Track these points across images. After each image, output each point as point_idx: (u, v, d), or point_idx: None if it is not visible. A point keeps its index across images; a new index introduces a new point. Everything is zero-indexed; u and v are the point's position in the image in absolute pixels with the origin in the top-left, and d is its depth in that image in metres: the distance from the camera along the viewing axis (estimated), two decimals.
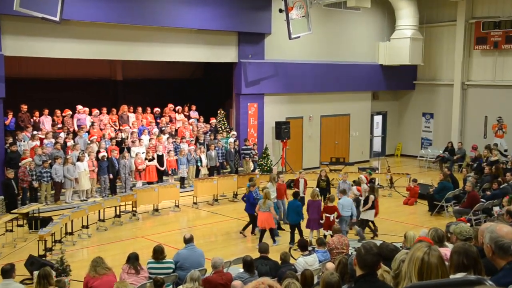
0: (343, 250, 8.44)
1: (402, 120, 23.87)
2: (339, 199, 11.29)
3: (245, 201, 11.79)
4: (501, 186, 12.99)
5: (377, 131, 23.76)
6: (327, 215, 10.60)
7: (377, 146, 23.22)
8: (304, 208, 11.17)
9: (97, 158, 14.53)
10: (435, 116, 22.57)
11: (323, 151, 20.71)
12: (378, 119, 23.68)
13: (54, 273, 6.90)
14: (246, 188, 12.35)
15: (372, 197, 11.38)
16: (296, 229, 10.83)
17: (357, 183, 12.72)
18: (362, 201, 11.59)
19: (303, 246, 8.00)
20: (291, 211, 10.84)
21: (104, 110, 16.45)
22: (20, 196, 13.19)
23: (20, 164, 13.29)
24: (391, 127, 23.82)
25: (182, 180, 15.90)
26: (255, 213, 11.08)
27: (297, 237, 10.51)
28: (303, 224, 10.98)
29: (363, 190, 12.03)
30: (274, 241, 10.87)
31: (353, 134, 21.80)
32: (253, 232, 11.58)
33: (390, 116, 23.80)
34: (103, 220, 12.40)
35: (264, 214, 10.78)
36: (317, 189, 11.51)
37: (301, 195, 13.41)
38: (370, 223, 11.56)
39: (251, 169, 17.34)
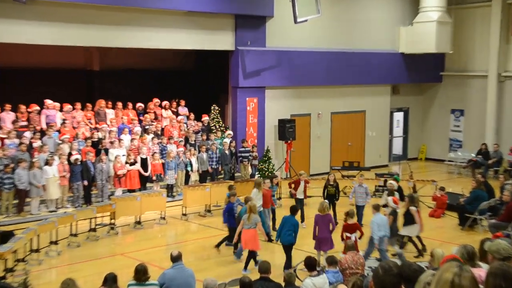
0: (358, 270, 8.39)
1: (427, 118, 23.86)
2: (357, 208, 11.05)
3: (224, 215, 11.70)
4: None
5: (398, 130, 23.74)
6: (348, 234, 10.33)
7: (397, 149, 23.21)
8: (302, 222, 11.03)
9: (69, 162, 14.49)
10: (466, 113, 22.55)
11: (334, 154, 20.69)
12: (398, 116, 23.66)
13: None
14: (225, 199, 12.17)
15: (413, 209, 11.25)
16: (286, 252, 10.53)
17: (390, 192, 12.50)
18: (388, 214, 11.24)
19: (311, 265, 7.95)
20: (286, 230, 10.36)
21: (78, 105, 16.44)
22: None
23: None
24: (414, 126, 23.81)
25: (169, 187, 15.87)
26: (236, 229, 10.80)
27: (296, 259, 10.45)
28: (304, 243, 10.88)
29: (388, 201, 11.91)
30: (245, 268, 10.45)
31: (369, 134, 21.79)
32: (235, 248, 11.35)
33: (413, 113, 23.79)
34: (76, 235, 12.35)
35: (249, 232, 10.50)
36: (326, 201, 11.19)
37: (299, 197, 13.65)
38: (416, 240, 11.45)
39: (250, 174, 17.32)
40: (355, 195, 13.50)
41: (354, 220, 10.54)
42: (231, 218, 11.48)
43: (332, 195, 13.72)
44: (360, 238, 10.50)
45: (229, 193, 11.95)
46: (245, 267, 10.52)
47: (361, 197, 13.38)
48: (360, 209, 13.29)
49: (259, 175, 17.37)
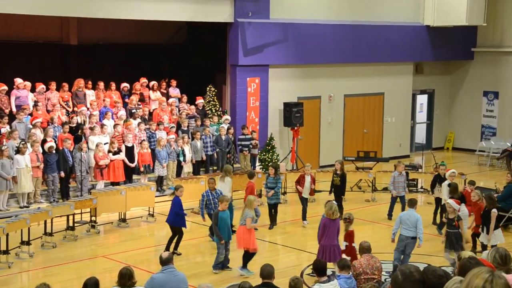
0: (374, 275, 8.43)
1: (455, 102, 23.82)
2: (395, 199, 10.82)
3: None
4: None
5: (421, 116, 23.71)
6: (347, 243, 10.20)
7: (420, 137, 23.22)
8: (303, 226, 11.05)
9: (43, 150, 14.52)
10: (501, 95, 22.51)
11: (348, 142, 20.70)
12: (422, 99, 23.62)
13: None
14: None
15: (495, 212, 11.18)
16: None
17: (453, 188, 12.06)
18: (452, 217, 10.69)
19: (321, 269, 7.99)
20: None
21: (53, 85, 16.43)
22: None
23: None
24: (440, 111, 23.77)
25: (158, 180, 15.92)
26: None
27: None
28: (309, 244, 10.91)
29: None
30: (221, 266, 10.77)
31: (388, 120, 21.79)
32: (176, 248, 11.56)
33: (439, 96, 23.75)
34: (51, 234, 12.37)
35: (240, 229, 10.69)
36: (335, 203, 10.64)
37: (305, 196, 13.72)
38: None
39: (251, 166, 17.36)
40: (396, 186, 13.87)
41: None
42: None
43: (338, 186, 13.89)
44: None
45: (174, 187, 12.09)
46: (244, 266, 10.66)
47: (402, 187, 13.91)
48: (402, 200, 13.74)
49: (261, 167, 17.40)
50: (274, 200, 13.57)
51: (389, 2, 21.12)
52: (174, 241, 11.68)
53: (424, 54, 22.19)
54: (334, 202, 10.67)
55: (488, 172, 20.23)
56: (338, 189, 14.01)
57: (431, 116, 23.83)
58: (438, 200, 13.77)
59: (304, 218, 13.75)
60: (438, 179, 13.81)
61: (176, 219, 11.70)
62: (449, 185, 12.72)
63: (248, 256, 10.70)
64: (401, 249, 10.55)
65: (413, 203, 10.80)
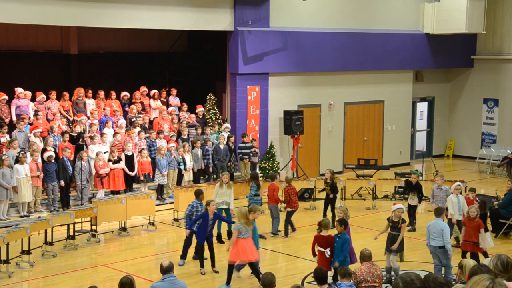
0: (375, 283, 8.43)
1: (455, 109, 23.83)
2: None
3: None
4: None
5: (421, 123, 23.71)
6: (321, 249, 9.88)
7: (421, 144, 23.21)
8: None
9: (43, 160, 14.52)
10: (501, 103, 22.52)
11: (348, 150, 20.70)
12: (422, 107, 23.62)
13: None
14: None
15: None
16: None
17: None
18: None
19: (322, 278, 7.98)
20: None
21: (53, 94, 16.46)
22: None
23: None
24: (440, 119, 23.77)
25: (159, 188, 15.91)
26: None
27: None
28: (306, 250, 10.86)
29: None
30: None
31: (388, 128, 21.78)
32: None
33: (439, 103, 23.75)
34: (51, 243, 12.36)
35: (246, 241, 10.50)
36: (327, 219, 10.81)
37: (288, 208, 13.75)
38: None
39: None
40: (435, 200, 13.66)
41: (329, 232, 10.02)
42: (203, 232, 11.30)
43: (327, 195, 14.12)
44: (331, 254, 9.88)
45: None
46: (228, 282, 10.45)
47: (441, 201, 13.37)
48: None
49: (262, 175, 17.39)
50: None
51: (388, 10, 21.17)
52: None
53: (424, 62, 22.21)
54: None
55: (489, 180, 20.20)
56: (328, 198, 14.19)
57: (431, 124, 23.83)
58: (410, 207, 14.12)
59: (291, 229, 13.80)
60: (409, 187, 14.43)
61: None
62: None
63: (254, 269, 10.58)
64: (437, 264, 10.40)
65: (439, 212, 10.68)
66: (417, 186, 14.32)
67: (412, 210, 14.20)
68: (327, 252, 9.84)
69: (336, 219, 10.64)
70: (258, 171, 17.84)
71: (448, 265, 10.41)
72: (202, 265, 11.19)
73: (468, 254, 10.99)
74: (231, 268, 10.44)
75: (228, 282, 10.38)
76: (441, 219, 10.58)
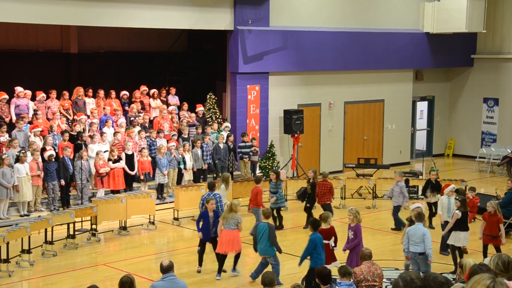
0: (375, 283, 8.42)
1: (455, 108, 23.82)
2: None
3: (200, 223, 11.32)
4: None
5: (421, 122, 23.71)
6: (325, 241, 10.01)
7: (421, 143, 23.21)
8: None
9: (43, 159, 14.52)
10: (501, 102, 22.52)
11: (348, 149, 20.70)
12: (422, 106, 23.62)
13: None
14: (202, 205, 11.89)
15: (458, 213, 11.16)
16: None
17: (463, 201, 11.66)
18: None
19: (324, 277, 7.96)
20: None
21: (53, 93, 16.45)
22: None
23: None
24: (440, 118, 23.77)
25: (159, 188, 15.91)
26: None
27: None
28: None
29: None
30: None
31: (389, 127, 21.78)
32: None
33: (439, 102, 23.75)
34: (51, 242, 12.36)
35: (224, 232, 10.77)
36: (327, 212, 10.96)
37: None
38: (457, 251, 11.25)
39: (251, 173, 17.34)
40: (393, 196, 13.96)
41: (327, 224, 10.24)
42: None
43: (309, 194, 14.16)
44: (335, 245, 10.27)
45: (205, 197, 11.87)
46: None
47: (397, 196, 13.83)
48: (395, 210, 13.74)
49: (262, 174, 17.39)
50: (278, 205, 13.98)
51: (388, 9, 21.16)
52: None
53: (424, 61, 22.21)
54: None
55: (489, 179, 20.20)
56: (309, 196, 14.17)
57: (431, 123, 23.83)
58: (430, 205, 14.13)
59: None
60: (430, 185, 14.15)
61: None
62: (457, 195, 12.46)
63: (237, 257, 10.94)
64: (416, 270, 10.16)
65: (420, 218, 10.46)
66: (437, 184, 14.15)
67: (433, 207, 14.05)
68: (331, 243, 10.11)
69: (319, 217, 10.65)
70: (258, 170, 17.86)
71: (428, 271, 9.97)
72: (200, 264, 11.20)
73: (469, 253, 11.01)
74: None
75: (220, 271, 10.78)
76: (422, 224, 10.33)
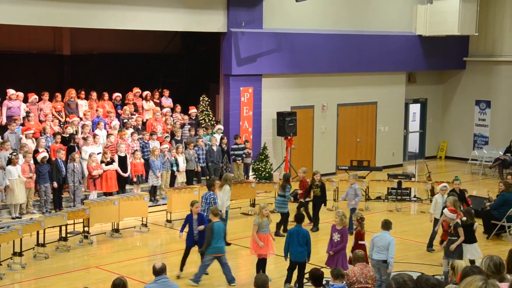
0: (368, 284, 8.45)
1: (447, 111, 23.90)
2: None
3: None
4: None
5: (414, 125, 23.76)
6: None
7: (413, 146, 23.26)
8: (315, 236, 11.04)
9: (35, 161, 14.46)
10: (493, 104, 22.61)
11: (341, 151, 20.71)
12: (415, 108, 23.67)
13: None
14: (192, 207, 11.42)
15: (476, 225, 11.25)
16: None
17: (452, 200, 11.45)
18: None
19: (317, 279, 7.97)
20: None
21: (45, 95, 16.39)
22: None
23: None
24: (432, 120, 23.84)
25: (152, 190, 15.87)
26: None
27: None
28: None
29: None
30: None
31: (381, 129, 21.83)
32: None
33: (432, 105, 23.82)
34: (43, 245, 12.31)
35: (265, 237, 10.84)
36: (342, 211, 10.97)
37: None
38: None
39: (244, 175, 17.33)
40: (347, 197, 14.16)
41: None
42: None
43: (318, 197, 14.12)
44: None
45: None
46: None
47: (351, 198, 14.01)
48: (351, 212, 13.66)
49: (255, 176, 17.38)
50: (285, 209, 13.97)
51: (381, 12, 21.21)
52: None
53: (417, 63, 22.27)
54: (340, 211, 11.07)
55: (481, 181, 20.26)
56: (318, 199, 14.19)
57: (424, 125, 23.89)
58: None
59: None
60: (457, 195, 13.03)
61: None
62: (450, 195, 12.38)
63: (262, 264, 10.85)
64: (378, 277, 9.85)
65: (387, 226, 10.27)
66: (462, 194, 13.41)
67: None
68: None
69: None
70: (251, 172, 17.86)
71: (385, 281, 9.89)
72: (181, 269, 11.09)
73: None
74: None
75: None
76: (388, 232, 10.16)
